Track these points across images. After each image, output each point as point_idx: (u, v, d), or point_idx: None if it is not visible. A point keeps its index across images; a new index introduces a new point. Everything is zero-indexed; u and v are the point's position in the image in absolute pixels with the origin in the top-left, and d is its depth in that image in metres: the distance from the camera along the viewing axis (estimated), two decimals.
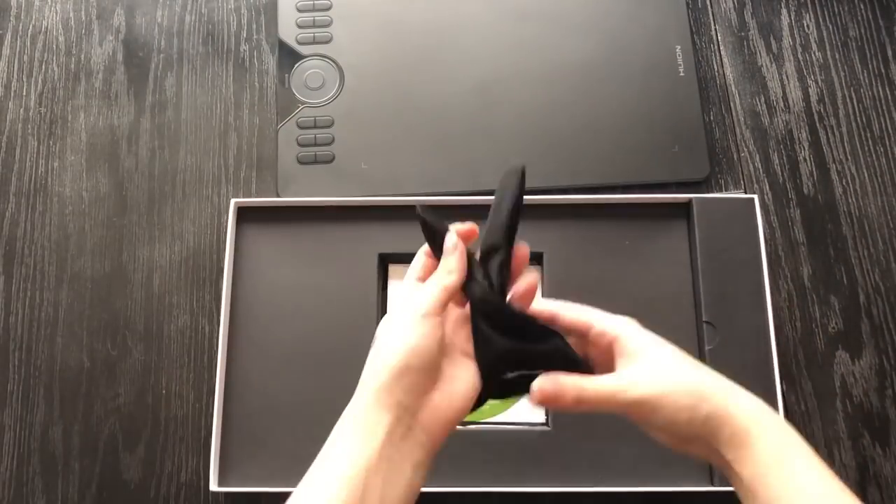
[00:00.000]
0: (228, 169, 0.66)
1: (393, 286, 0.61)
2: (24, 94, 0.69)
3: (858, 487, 0.58)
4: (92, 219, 0.65)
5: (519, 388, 0.40)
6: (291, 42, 0.68)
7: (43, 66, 0.70)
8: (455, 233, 0.41)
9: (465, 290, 0.40)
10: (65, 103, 0.68)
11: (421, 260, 0.42)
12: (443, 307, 0.39)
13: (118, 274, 0.63)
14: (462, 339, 0.41)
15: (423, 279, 0.41)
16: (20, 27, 0.71)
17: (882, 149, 0.66)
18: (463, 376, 0.40)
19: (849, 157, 0.66)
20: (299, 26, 0.68)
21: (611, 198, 0.61)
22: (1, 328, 0.62)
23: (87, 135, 0.67)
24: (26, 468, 0.59)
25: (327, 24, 0.68)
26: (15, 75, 0.69)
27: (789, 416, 0.59)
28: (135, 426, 0.60)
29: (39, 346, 0.62)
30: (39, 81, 0.69)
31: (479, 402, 0.40)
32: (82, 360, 0.61)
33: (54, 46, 0.70)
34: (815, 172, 0.65)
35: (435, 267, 0.41)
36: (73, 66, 0.69)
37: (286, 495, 0.51)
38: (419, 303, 0.38)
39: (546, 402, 0.39)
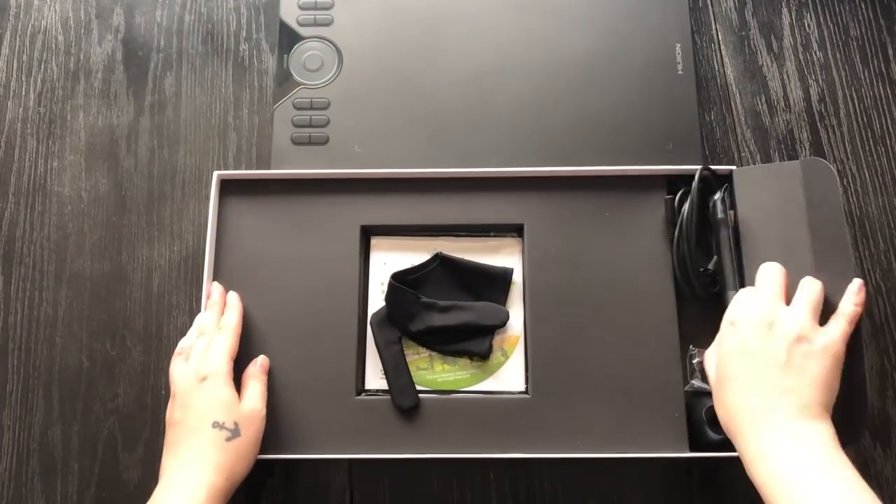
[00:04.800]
0: (228, 168, 0.66)
1: (375, 258, 0.62)
2: (24, 93, 0.69)
3: None
4: (91, 219, 0.65)
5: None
6: (292, 23, 0.68)
7: (42, 66, 0.69)
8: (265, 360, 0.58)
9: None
10: (64, 103, 0.68)
11: (234, 345, 0.56)
12: None
13: (117, 274, 0.63)
14: None
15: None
16: (19, 26, 0.71)
17: (883, 148, 0.66)
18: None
19: (850, 157, 0.65)
20: (301, 7, 0.69)
21: (591, 170, 0.61)
22: (0, 328, 0.62)
23: (87, 134, 0.67)
24: (25, 468, 0.59)
25: (329, 7, 0.69)
26: (14, 75, 0.69)
27: None
28: (134, 426, 0.60)
29: (38, 347, 0.62)
30: (38, 81, 0.69)
31: None
32: (81, 361, 0.61)
33: (53, 46, 0.70)
34: None
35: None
36: (72, 65, 0.69)
37: (267, 462, 0.56)
38: (262, 408, 0.54)
39: None
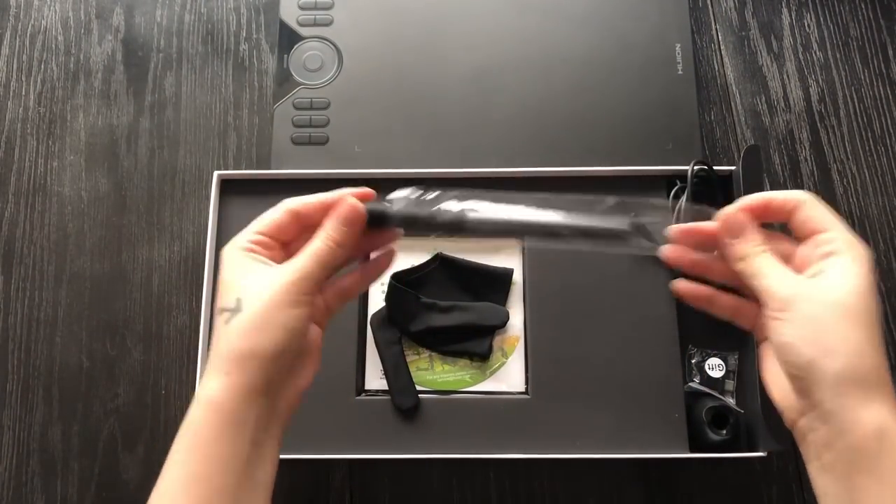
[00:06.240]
0: (228, 168, 0.66)
1: (374, 256, 0.61)
2: (24, 93, 0.69)
3: None
4: (91, 219, 0.65)
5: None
6: (292, 23, 0.68)
7: (42, 66, 0.69)
8: (356, 202, 0.38)
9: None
10: (64, 103, 0.68)
11: (276, 215, 0.38)
12: (320, 283, 0.37)
13: (117, 274, 0.63)
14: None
15: (271, 237, 0.38)
16: (19, 27, 0.71)
17: (883, 148, 0.66)
18: (315, 340, 0.40)
19: (849, 157, 0.65)
20: (301, 7, 0.69)
21: (591, 170, 0.61)
22: (0, 328, 0.62)
23: (87, 134, 0.67)
24: (25, 468, 0.59)
25: (329, 7, 0.69)
26: (14, 75, 0.69)
27: None
28: (134, 426, 0.60)
29: (38, 347, 0.62)
30: (38, 81, 0.69)
31: None
32: (81, 361, 0.61)
33: (53, 46, 0.70)
34: (815, 172, 0.65)
35: (292, 229, 0.39)
36: (72, 65, 0.69)
37: None
38: (298, 279, 0.36)
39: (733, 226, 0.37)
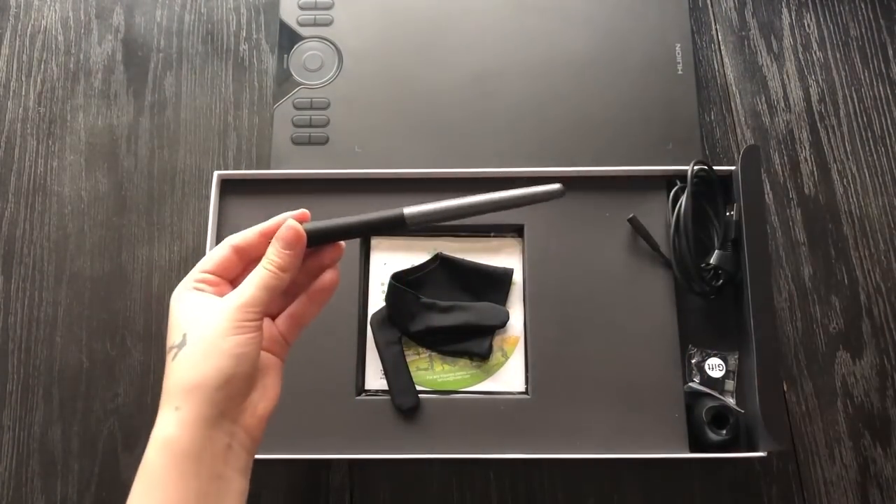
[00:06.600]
0: (228, 168, 0.66)
1: (375, 258, 0.61)
2: (24, 93, 0.69)
3: (859, 488, 0.58)
4: (91, 219, 0.65)
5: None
6: (292, 23, 0.68)
7: (42, 66, 0.69)
8: (295, 224, 0.39)
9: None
10: (64, 103, 0.68)
11: (221, 252, 0.39)
12: (267, 309, 0.38)
13: (117, 274, 0.63)
14: (265, 329, 0.40)
15: (217, 275, 0.39)
16: (19, 26, 0.71)
17: (883, 148, 0.66)
18: (272, 368, 0.40)
19: (850, 157, 0.65)
20: (301, 7, 0.69)
21: (591, 170, 0.61)
22: (0, 328, 0.62)
23: (87, 134, 0.67)
24: (25, 469, 0.59)
25: (329, 7, 0.69)
26: (14, 75, 0.69)
27: (790, 416, 0.59)
28: (134, 427, 0.60)
29: (38, 347, 0.62)
30: (38, 81, 0.69)
31: None
32: (81, 361, 0.61)
33: (53, 46, 0.70)
34: (815, 172, 0.65)
35: (237, 265, 0.40)
36: (72, 65, 0.69)
37: (267, 462, 0.52)
38: (241, 306, 0.37)
39: None
